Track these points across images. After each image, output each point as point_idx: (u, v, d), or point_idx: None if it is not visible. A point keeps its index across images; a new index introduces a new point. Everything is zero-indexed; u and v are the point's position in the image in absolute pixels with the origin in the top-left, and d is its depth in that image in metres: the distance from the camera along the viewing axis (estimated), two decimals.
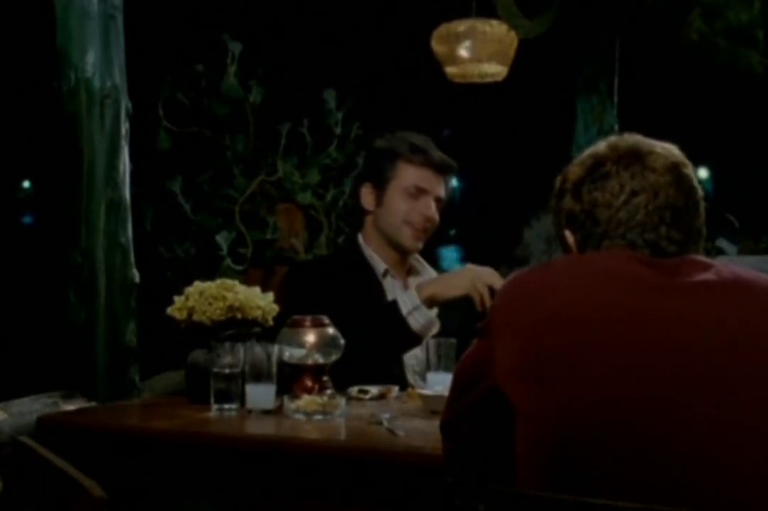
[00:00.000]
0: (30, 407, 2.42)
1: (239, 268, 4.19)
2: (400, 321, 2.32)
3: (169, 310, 2.16)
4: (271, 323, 2.18)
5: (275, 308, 2.20)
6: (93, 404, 2.58)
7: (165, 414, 2.05)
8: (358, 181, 2.63)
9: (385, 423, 1.84)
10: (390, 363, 2.40)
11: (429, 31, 4.08)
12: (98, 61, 3.31)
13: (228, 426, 1.93)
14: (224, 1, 5.33)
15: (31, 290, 4.38)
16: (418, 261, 2.63)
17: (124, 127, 3.38)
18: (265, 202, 4.40)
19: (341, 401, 1.96)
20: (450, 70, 4.12)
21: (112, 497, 1.23)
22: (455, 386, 1.42)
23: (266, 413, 1.99)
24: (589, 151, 1.43)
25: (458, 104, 6.19)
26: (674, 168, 1.37)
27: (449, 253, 8.20)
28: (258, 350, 2.02)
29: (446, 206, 2.59)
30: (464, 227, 7.66)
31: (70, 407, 2.46)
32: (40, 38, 3.45)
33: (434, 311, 2.37)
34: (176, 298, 2.17)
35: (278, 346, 2.04)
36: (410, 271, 2.61)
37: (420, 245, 2.55)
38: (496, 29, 4.01)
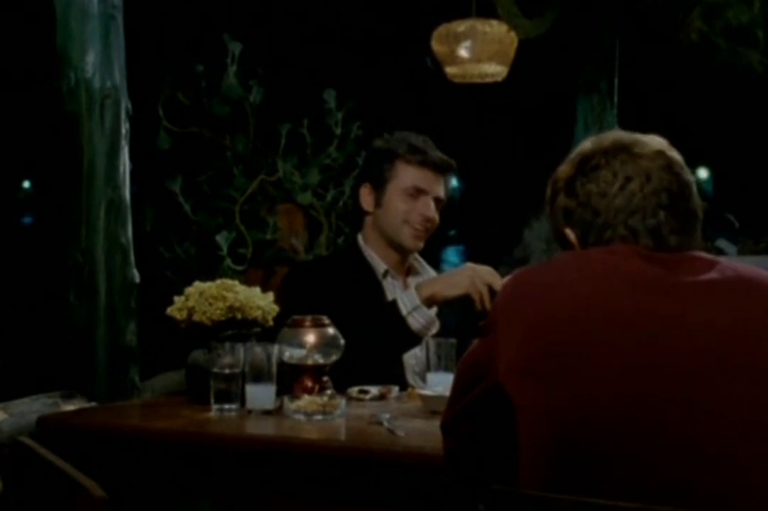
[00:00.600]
0: (30, 407, 2.41)
1: (239, 268, 4.19)
2: (400, 321, 2.32)
3: (169, 310, 2.16)
4: (271, 323, 2.18)
5: (275, 308, 2.20)
6: (93, 404, 2.58)
7: (165, 414, 2.05)
8: (358, 182, 2.63)
9: (385, 423, 1.84)
10: (390, 363, 2.40)
11: (429, 32, 4.08)
12: (98, 61, 3.32)
13: (228, 426, 1.93)
14: (224, 1, 5.33)
15: (31, 290, 4.38)
16: (418, 261, 2.63)
17: (124, 127, 3.39)
18: (265, 203, 4.40)
19: (341, 401, 1.96)
20: (450, 70, 4.12)
21: (112, 497, 1.23)
22: (456, 385, 1.42)
23: (266, 413, 1.99)
24: (574, 151, 1.44)
25: (458, 104, 6.19)
26: (662, 153, 1.39)
27: (453, 254, 8.20)
28: (258, 350, 2.01)
29: (446, 206, 2.59)
30: (464, 227, 7.67)
31: (70, 407, 2.46)
32: (40, 38, 3.45)
33: (434, 311, 2.37)
34: (176, 298, 2.16)
35: (278, 346, 2.04)
36: (410, 271, 2.61)
37: (421, 245, 2.55)
38: (496, 29, 4.01)
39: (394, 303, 2.35)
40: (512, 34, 4.07)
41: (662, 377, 1.20)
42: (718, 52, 4.62)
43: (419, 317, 2.32)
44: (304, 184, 4.38)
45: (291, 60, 5.25)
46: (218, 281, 2.18)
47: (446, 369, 2.14)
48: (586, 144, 1.44)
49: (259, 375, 2.00)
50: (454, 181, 8.12)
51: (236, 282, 2.19)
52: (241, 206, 4.31)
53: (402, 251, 2.55)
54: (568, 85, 5.47)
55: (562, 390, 1.22)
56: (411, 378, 2.45)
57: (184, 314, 2.13)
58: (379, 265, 2.53)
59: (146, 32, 4.04)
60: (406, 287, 2.54)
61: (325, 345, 2.06)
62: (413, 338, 2.34)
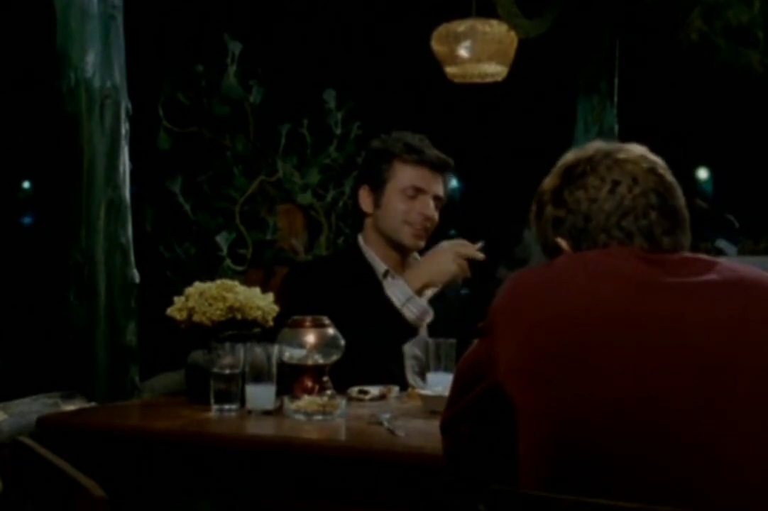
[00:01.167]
0: (30, 408, 2.41)
1: (239, 268, 4.19)
2: (396, 314, 2.35)
3: (169, 310, 2.16)
4: (271, 323, 2.18)
5: (275, 308, 2.20)
6: (93, 404, 2.58)
7: (165, 414, 2.05)
8: (356, 183, 2.63)
9: (385, 423, 1.84)
10: (390, 360, 2.41)
11: (429, 32, 4.08)
12: (98, 61, 3.32)
13: (228, 426, 1.93)
14: (224, 1, 5.33)
15: (31, 290, 4.39)
16: (417, 261, 2.63)
17: (124, 127, 3.38)
18: (265, 203, 4.40)
19: (341, 401, 1.96)
20: (450, 70, 4.12)
21: (112, 497, 1.23)
22: (456, 386, 1.42)
23: (266, 413, 1.99)
24: (557, 165, 1.46)
25: (458, 104, 6.19)
26: (644, 157, 1.41)
27: None
28: (258, 350, 2.01)
29: (446, 206, 2.59)
30: (464, 227, 7.66)
31: (70, 407, 2.46)
32: (40, 38, 3.45)
33: (426, 299, 2.41)
34: (176, 298, 2.16)
35: (278, 346, 2.04)
36: None
37: (421, 244, 2.55)
38: (496, 29, 4.01)
39: (385, 297, 2.38)
40: (512, 34, 4.07)
41: (662, 377, 1.20)
42: (718, 52, 4.62)
43: (413, 307, 2.36)
44: (304, 184, 4.38)
45: (291, 60, 5.26)
46: (218, 282, 2.18)
47: (446, 369, 2.15)
48: (568, 156, 1.45)
49: (259, 375, 2.00)
50: (454, 182, 8.15)
51: (236, 282, 2.19)
52: (241, 206, 4.31)
53: (402, 251, 2.55)
54: (568, 85, 5.47)
55: (562, 390, 1.22)
56: (411, 378, 2.45)
57: (184, 314, 2.13)
58: (380, 265, 2.53)
59: (146, 32, 4.04)
60: None
61: (325, 345, 2.06)
62: (410, 329, 2.38)
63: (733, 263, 1.34)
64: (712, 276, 1.29)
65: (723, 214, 6.02)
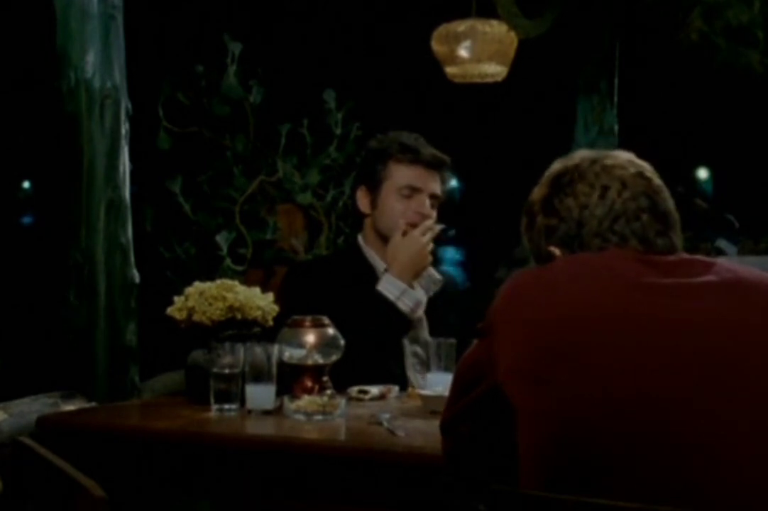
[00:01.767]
0: (30, 408, 2.41)
1: (239, 268, 4.19)
2: (392, 308, 2.38)
3: (169, 310, 2.16)
4: (271, 323, 2.18)
5: (275, 308, 2.20)
6: (93, 404, 2.58)
7: (165, 414, 2.05)
8: (355, 184, 2.65)
9: (385, 423, 1.84)
10: (389, 356, 2.41)
11: (429, 32, 4.08)
12: (98, 61, 3.31)
13: (228, 426, 1.93)
14: (224, 1, 5.33)
15: (31, 290, 4.39)
16: (395, 258, 2.62)
17: (124, 127, 3.38)
18: (265, 203, 4.40)
19: (341, 401, 1.96)
20: (450, 70, 4.12)
21: (112, 497, 1.23)
22: (455, 386, 1.42)
23: (266, 413, 1.99)
24: (543, 176, 1.47)
25: (458, 104, 6.19)
26: (631, 161, 1.42)
27: (453, 254, 8.20)
28: (258, 350, 2.02)
29: (446, 206, 2.59)
30: (464, 227, 7.67)
31: (70, 407, 2.46)
32: (40, 38, 3.45)
33: (419, 292, 2.44)
34: (176, 298, 2.17)
35: (278, 346, 2.04)
36: None
37: None
38: (496, 29, 4.01)
39: (378, 292, 2.39)
40: (512, 34, 4.07)
41: (661, 378, 1.20)
42: (718, 52, 4.62)
43: (407, 300, 2.40)
44: (304, 184, 4.38)
45: (291, 60, 5.26)
46: (218, 281, 2.18)
47: (446, 369, 2.15)
48: (555, 165, 1.46)
49: (259, 375, 2.00)
50: (453, 182, 8.15)
51: (236, 282, 2.19)
52: (241, 206, 4.31)
53: None
54: (568, 85, 5.47)
55: (562, 391, 1.22)
56: (412, 376, 2.45)
57: (184, 314, 2.13)
58: (379, 264, 2.53)
59: (146, 32, 4.03)
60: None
61: (325, 345, 2.06)
62: (406, 322, 2.42)
63: (732, 264, 1.35)
64: (710, 277, 1.29)
65: (723, 214, 6.02)
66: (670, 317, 1.24)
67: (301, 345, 2.06)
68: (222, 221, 4.29)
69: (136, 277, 3.42)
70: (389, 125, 2.67)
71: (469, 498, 1.40)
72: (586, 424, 1.20)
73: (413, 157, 2.49)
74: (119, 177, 3.36)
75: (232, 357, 2.02)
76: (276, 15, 5.64)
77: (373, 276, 2.51)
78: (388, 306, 2.38)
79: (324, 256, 4.19)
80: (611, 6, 5.25)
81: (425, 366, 2.29)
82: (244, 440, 1.85)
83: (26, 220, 7.03)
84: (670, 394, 1.19)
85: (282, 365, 2.04)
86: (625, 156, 1.44)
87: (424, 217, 2.50)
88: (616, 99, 5.41)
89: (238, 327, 2.13)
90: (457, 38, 3.98)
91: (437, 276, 2.53)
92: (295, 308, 2.18)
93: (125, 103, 3.39)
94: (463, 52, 4.00)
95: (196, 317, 2.11)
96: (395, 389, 2.27)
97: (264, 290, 2.24)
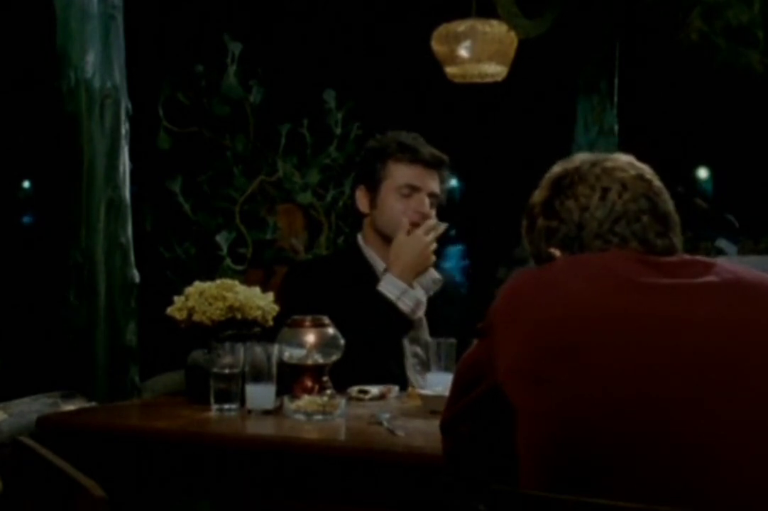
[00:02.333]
0: (30, 407, 2.41)
1: (239, 268, 4.19)
2: (392, 308, 2.37)
3: (169, 310, 2.16)
4: (271, 323, 2.18)
5: (275, 308, 2.20)
6: (93, 404, 2.58)
7: (165, 414, 2.05)
8: (354, 183, 2.65)
9: (385, 423, 1.84)
10: (389, 356, 2.41)
11: (429, 32, 4.08)
12: (98, 61, 3.32)
13: (228, 426, 1.93)
14: (224, 1, 5.33)
15: (31, 290, 4.39)
16: (397, 257, 2.62)
17: (124, 127, 3.38)
18: (265, 203, 4.40)
19: (341, 401, 1.96)
20: (450, 70, 4.12)
21: (112, 497, 1.23)
22: (455, 386, 1.42)
23: (266, 413, 1.99)
24: (544, 178, 1.47)
25: (458, 104, 6.19)
26: (631, 163, 1.43)
27: (453, 254, 8.20)
28: (258, 350, 2.02)
29: (446, 206, 2.59)
30: (464, 227, 7.67)
31: (70, 407, 2.46)
32: (40, 38, 3.45)
33: (419, 292, 2.43)
34: (176, 298, 2.16)
35: (278, 346, 2.04)
36: None
37: None
38: (496, 29, 4.01)
39: (378, 292, 2.39)
40: (512, 34, 4.07)
41: (661, 378, 1.20)
42: (718, 52, 4.62)
43: (407, 300, 2.40)
44: (304, 184, 4.39)
45: (291, 60, 5.26)
46: (218, 281, 2.18)
47: (446, 369, 2.15)
48: (555, 168, 1.46)
49: (259, 375, 2.00)
50: (453, 182, 8.15)
51: (236, 282, 2.19)
52: (241, 206, 4.31)
53: None
54: (568, 85, 5.47)
55: (562, 391, 1.22)
56: (412, 377, 2.45)
57: (184, 314, 2.13)
58: (379, 264, 2.53)
59: (146, 32, 4.04)
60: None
61: (325, 345, 2.06)
62: (407, 322, 2.41)
63: (732, 265, 1.35)
64: (710, 277, 1.30)
65: (723, 214, 6.02)
66: (671, 317, 1.24)
67: (301, 345, 2.06)
68: (222, 221, 4.29)
69: (136, 277, 3.42)
70: (389, 125, 2.67)
71: (469, 498, 1.40)
72: (586, 424, 1.20)
73: (412, 157, 2.49)
74: (119, 177, 3.36)
75: (232, 357, 2.02)
76: (276, 15, 5.64)
77: (372, 276, 2.51)
78: (388, 306, 2.38)
79: (324, 256, 4.19)
80: (611, 6, 5.25)
81: (425, 366, 2.29)
82: (244, 440, 1.85)
83: (26, 220, 7.03)
84: (670, 394, 1.19)
85: (282, 365, 2.04)
86: (624, 159, 1.44)
87: (424, 216, 2.50)
88: (616, 99, 5.41)
89: (238, 327, 2.13)
90: (457, 38, 3.98)
91: (437, 276, 2.52)
92: (295, 308, 2.18)
93: (125, 103, 3.39)
94: (463, 52, 4.00)
95: (196, 317, 2.11)
96: (395, 389, 2.27)
97: (264, 289, 2.23)
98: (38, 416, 2.04)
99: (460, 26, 3.99)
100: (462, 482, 1.46)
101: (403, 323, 2.41)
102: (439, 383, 2.09)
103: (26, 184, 7.18)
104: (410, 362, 2.47)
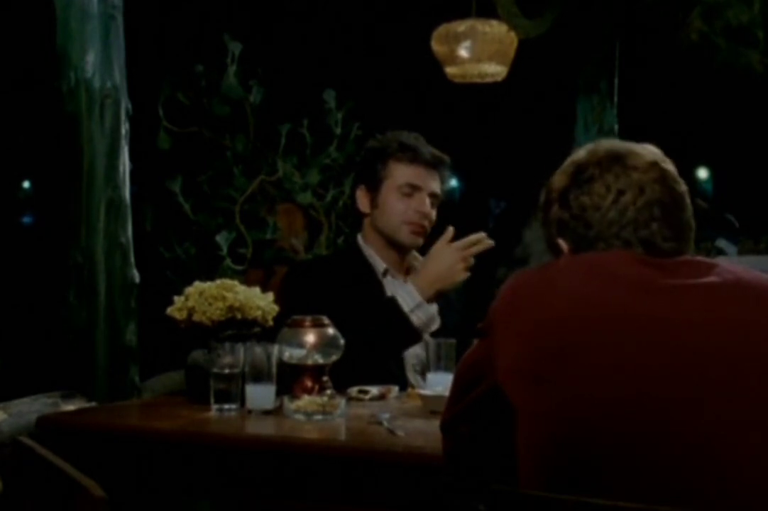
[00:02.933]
0: (30, 407, 2.41)
1: (239, 268, 4.19)
2: (403, 318, 2.34)
3: (169, 310, 2.16)
4: (271, 323, 2.18)
5: (275, 308, 2.20)
6: (93, 404, 2.58)
7: (165, 414, 2.05)
8: (354, 183, 2.64)
9: (385, 423, 1.84)
10: (390, 361, 2.41)
11: (429, 32, 4.08)
12: (98, 61, 3.32)
13: (228, 426, 1.93)
14: (224, 1, 5.33)
15: (31, 290, 4.38)
16: (418, 260, 2.63)
17: (124, 127, 3.38)
18: (265, 202, 4.40)
19: (341, 401, 1.96)
20: (450, 70, 4.12)
21: (112, 497, 1.23)
22: (456, 386, 1.42)
23: (266, 413, 1.99)
24: (569, 160, 1.44)
25: (458, 104, 6.19)
26: (655, 165, 1.39)
27: None
28: (258, 350, 2.02)
29: (446, 206, 2.59)
30: (464, 227, 7.66)
31: (70, 407, 2.46)
32: (40, 38, 3.45)
33: (435, 308, 2.39)
34: (176, 298, 2.16)
35: (278, 346, 2.04)
36: (409, 270, 2.61)
37: (420, 241, 2.55)
38: (496, 29, 4.01)
39: (394, 300, 2.36)
40: (512, 34, 4.07)
41: (661, 378, 1.20)
42: (718, 52, 4.62)
43: (421, 314, 2.35)
44: (304, 184, 4.38)
45: (291, 60, 5.26)
46: (218, 281, 2.18)
47: (446, 369, 2.15)
48: (581, 153, 1.44)
49: (259, 375, 2.00)
50: (453, 182, 8.15)
51: (236, 282, 2.19)
52: (241, 206, 4.31)
53: (401, 250, 2.55)
54: (568, 85, 5.47)
55: (562, 391, 1.22)
56: (412, 377, 2.45)
57: (184, 314, 2.13)
58: (379, 264, 2.53)
59: (146, 32, 4.03)
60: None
61: (325, 345, 2.06)
62: (416, 335, 2.36)
63: (733, 265, 1.34)
64: (711, 278, 1.29)
65: (723, 214, 6.02)
66: (671, 317, 1.24)
67: (301, 345, 2.05)
68: (222, 221, 4.28)
69: (136, 277, 3.42)
70: (389, 125, 2.67)
71: (469, 498, 1.40)
72: (586, 424, 1.20)
73: (413, 156, 2.49)
74: (119, 177, 3.36)
75: (232, 357, 2.03)
76: (276, 15, 5.63)
77: (372, 276, 2.51)
78: (400, 317, 2.34)
79: (324, 256, 4.19)
80: (611, 6, 5.25)
81: (425, 367, 2.28)
82: (244, 440, 1.85)
83: (26, 220, 7.03)
84: (670, 394, 1.19)
85: (282, 365, 2.04)
86: (650, 157, 1.40)
87: (424, 215, 2.50)
88: (616, 99, 5.40)
89: (238, 327, 2.13)
90: (457, 38, 3.98)
91: (438, 319, 2.44)
92: (295, 308, 2.18)
93: (125, 103, 3.39)
94: (463, 52, 4.00)
95: (196, 317, 2.11)
96: (395, 389, 2.27)
97: (264, 289, 2.23)
98: (38, 416, 2.04)
99: (460, 26, 3.99)
100: (462, 482, 1.46)
101: (412, 335, 2.37)
102: (439, 383, 2.09)
103: (26, 184, 7.18)
104: (410, 363, 2.47)
